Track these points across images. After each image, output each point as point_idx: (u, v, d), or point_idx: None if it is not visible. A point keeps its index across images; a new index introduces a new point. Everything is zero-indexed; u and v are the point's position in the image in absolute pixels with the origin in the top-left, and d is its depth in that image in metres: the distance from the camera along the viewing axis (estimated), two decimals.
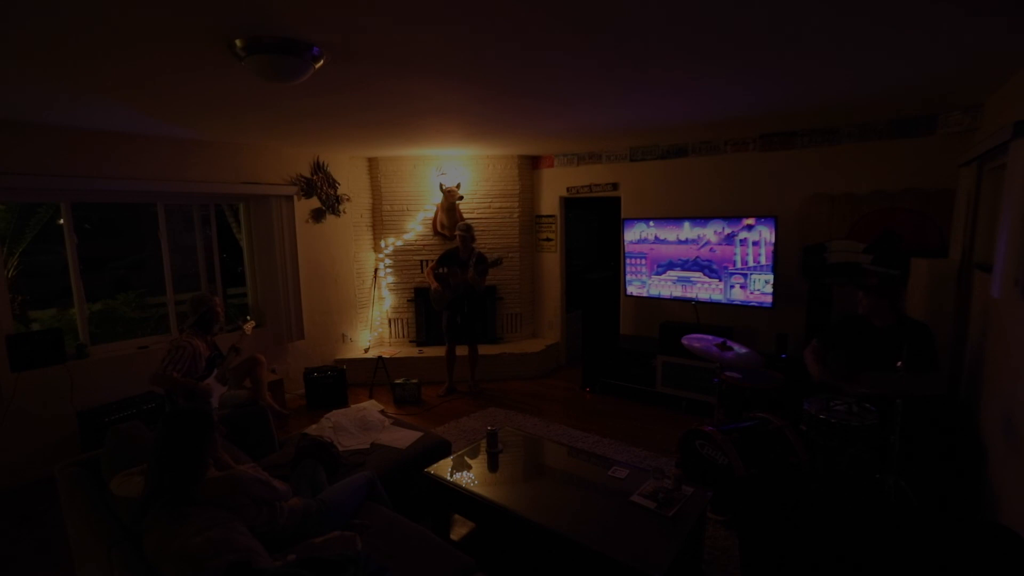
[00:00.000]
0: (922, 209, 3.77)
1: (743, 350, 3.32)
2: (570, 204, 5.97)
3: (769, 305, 4.23)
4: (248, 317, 3.82)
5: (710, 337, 3.50)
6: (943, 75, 2.71)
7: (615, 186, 5.38)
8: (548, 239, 5.98)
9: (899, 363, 2.36)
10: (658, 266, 4.86)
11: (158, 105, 3.05)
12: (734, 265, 4.40)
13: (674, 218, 4.72)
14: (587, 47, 2.20)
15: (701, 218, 4.56)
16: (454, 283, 4.79)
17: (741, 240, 4.33)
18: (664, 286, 4.85)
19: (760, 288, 4.30)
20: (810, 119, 3.88)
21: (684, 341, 3.53)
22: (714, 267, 4.51)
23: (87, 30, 1.89)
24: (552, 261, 6.00)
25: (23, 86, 2.58)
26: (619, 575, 2.00)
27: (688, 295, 4.70)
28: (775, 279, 4.18)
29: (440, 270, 4.86)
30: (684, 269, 4.69)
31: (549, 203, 5.91)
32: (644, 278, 4.97)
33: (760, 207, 4.41)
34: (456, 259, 4.86)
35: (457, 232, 4.92)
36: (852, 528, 2.08)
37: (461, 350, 5.08)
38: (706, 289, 4.58)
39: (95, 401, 3.65)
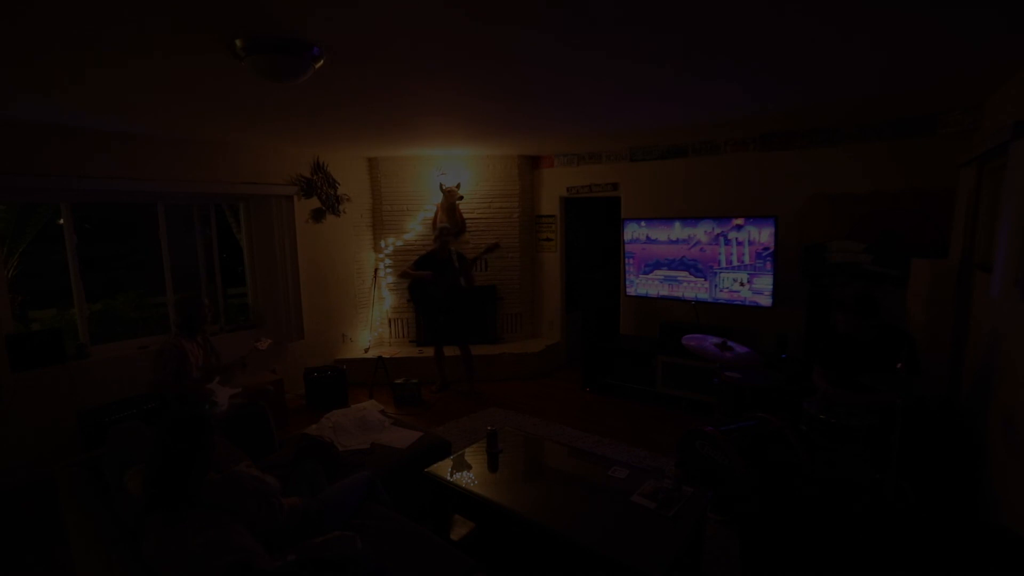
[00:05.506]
0: (922, 209, 3.76)
1: (743, 350, 3.32)
2: (570, 204, 5.97)
3: (769, 305, 4.24)
4: (264, 338, 3.67)
5: (710, 337, 3.50)
6: (942, 76, 2.71)
7: (615, 186, 5.38)
8: (548, 239, 5.98)
9: (899, 365, 2.36)
10: (645, 265, 4.90)
11: (158, 105, 3.05)
12: (719, 264, 4.45)
13: (669, 218, 4.75)
14: (588, 47, 2.20)
15: (692, 218, 4.59)
16: (438, 281, 4.82)
17: (728, 240, 4.38)
18: (651, 285, 4.89)
19: (729, 287, 4.41)
20: (810, 120, 3.89)
21: (684, 341, 3.53)
22: (699, 266, 4.56)
23: (85, 30, 1.89)
24: (552, 261, 6.00)
25: (24, 87, 2.58)
26: (619, 575, 2.00)
27: (675, 294, 4.74)
28: (774, 279, 4.18)
29: (420, 272, 4.90)
30: (671, 268, 4.74)
31: (549, 203, 5.90)
32: (633, 277, 5.02)
33: (760, 207, 4.41)
34: (435, 261, 4.88)
35: (436, 234, 4.94)
36: (852, 528, 2.08)
37: (451, 350, 5.09)
38: (692, 288, 4.62)
39: (95, 401, 3.65)
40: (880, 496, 2.48)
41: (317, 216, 5.21)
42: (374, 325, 5.80)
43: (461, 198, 5.56)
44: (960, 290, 3.22)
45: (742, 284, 4.35)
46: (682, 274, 4.67)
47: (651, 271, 4.87)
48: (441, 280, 4.85)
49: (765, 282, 4.24)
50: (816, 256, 4.04)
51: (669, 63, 2.44)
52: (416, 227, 5.75)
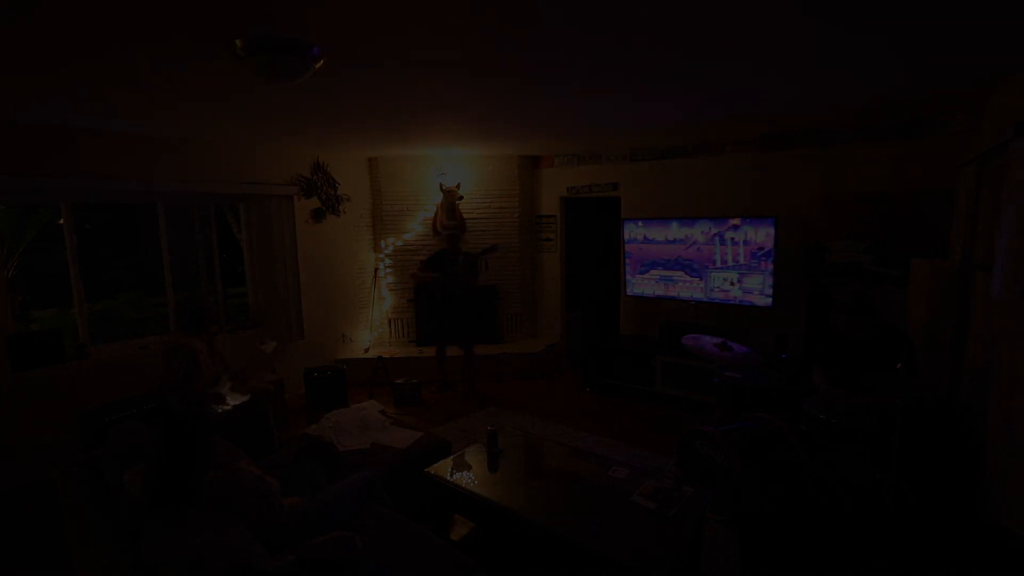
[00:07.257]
0: (922, 209, 3.76)
1: (743, 350, 3.32)
2: (570, 204, 5.97)
3: (768, 304, 4.24)
4: (269, 340, 3.61)
5: (710, 337, 3.50)
6: (943, 78, 2.72)
7: (615, 186, 5.38)
8: (548, 239, 5.98)
9: (899, 365, 2.37)
10: (642, 265, 4.91)
11: (158, 105, 3.05)
12: (714, 264, 4.46)
13: (667, 218, 4.76)
14: (588, 47, 2.20)
15: (690, 218, 4.60)
16: (446, 281, 4.81)
17: (724, 240, 4.39)
18: (647, 285, 4.91)
19: (720, 285, 4.44)
20: (811, 120, 3.88)
21: (684, 341, 3.53)
22: (694, 266, 4.57)
23: (86, 29, 1.89)
24: (552, 261, 6.00)
25: (24, 88, 2.58)
26: (619, 575, 2.00)
27: (671, 293, 4.76)
28: (775, 279, 4.18)
29: (426, 273, 4.91)
30: (666, 268, 4.75)
31: (549, 203, 5.90)
32: (629, 277, 5.03)
33: (759, 207, 4.41)
34: (446, 259, 4.89)
35: (444, 232, 4.97)
36: (851, 528, 2.08)
37: (453, 350, 5.08)
38: (688, 288, 4.64)
39: (95, 401, 3.63)
40: (879, 496, 2.48)
41: (317, 216, 5.21)
42: (374, 325, 5.80)
43: (461, 198, 5.56)
44: (960, 290, 3.22)
45: (732, 283, 4.38)
46: (677, 273, 4.68)
47: (647, 271, 4.88)
48: (450, 279, 4.82)
49: (755, 281, 4.26)
50: (816, 256, 4.04)
51: (679, 62, 2.44)
52: (416, 227, 5.74)
